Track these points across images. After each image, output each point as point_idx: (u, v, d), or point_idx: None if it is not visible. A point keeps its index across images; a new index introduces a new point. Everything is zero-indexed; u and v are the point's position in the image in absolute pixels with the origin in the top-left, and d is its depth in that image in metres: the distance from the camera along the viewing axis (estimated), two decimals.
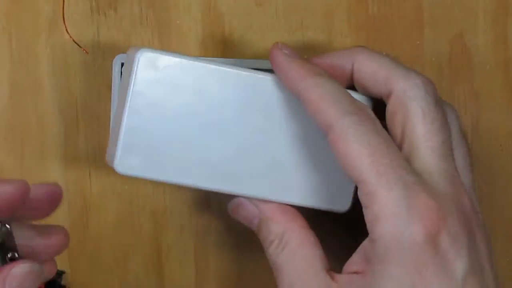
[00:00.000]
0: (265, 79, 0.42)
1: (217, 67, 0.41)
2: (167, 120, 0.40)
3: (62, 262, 0.48)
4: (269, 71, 0.42)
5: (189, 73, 0.41)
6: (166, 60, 0.40)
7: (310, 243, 0.41)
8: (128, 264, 0.49)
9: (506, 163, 0.51)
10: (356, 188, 0.39)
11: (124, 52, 0.48)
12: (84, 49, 0.48)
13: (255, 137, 0.42)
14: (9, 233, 0.36)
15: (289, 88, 0.41)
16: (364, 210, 0.38)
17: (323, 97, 0.39)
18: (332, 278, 0.39)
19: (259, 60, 0.49)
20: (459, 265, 0.36)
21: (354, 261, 0.39)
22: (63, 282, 0.48)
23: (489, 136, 0.50)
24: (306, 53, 0.49)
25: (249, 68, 0.42)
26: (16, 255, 0.36)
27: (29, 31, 0.48)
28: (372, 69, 0.41)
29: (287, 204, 0.42)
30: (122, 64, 0.48)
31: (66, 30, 0.48)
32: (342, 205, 0.43)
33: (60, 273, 0.48)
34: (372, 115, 0.39)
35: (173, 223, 0.50)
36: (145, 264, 0.50)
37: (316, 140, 0.42)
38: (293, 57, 0.41)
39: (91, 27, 0.48)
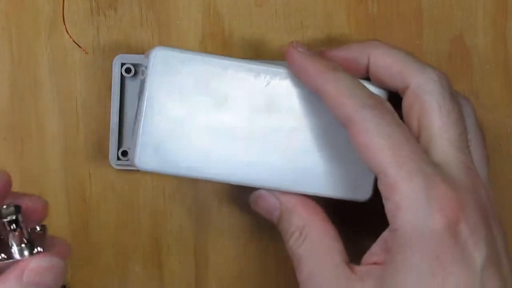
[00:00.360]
0: (281, 72, 0.42)
1: (232, 61, 0.42)
2: (186, 116, 0.41)
3: None
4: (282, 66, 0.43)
5: (206, 68, 0.41)
6: (181, 57, 0.41)
7: (330, 236, 0.41)
8: (128, 264, 0.49)
9: (506, 163, 0.51)
10: (375, 178, 0.40)
11: (124, 52, 0.48)
12: (84, 49, 0.48)
13: (273, 130, 0.42)
14: (19, 211, 0.36)
15: (307, 84, 0.41)
16: (384, 201, 0.38)
17: (341, 91, 0.39)
18: (352, 270, 0.39)
19: (259, 60, 0.49)
20: (477, 255, 0.37)
21: (374, 252, 0.39)
22: (63, 282, 0.48)
23: (489, 136, 0.50)
24: None
25: (260, 63, 0.43)
26: (41, 249, 0.36)
27: (29, 31, 0.48)
28: (388, 63, 0.42)
29: (308, 196, 0.43)
30: (122, 64, 0.48)
31: (66, 30, 0.48)
32: (363, 194, 0.43)
33: None
34: (390, 108, 0.40)
35: (173, 223, 0.50)
36: (145, 264, 0.50)
37: (334, 131, 0.42)
38: (309, 54, 0.41)
39: (91, 27, 0.48)
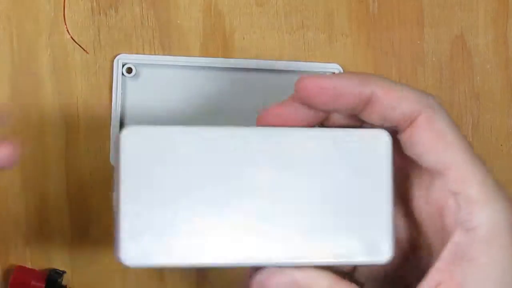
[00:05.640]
0: (262, 132, 0.37)
1: (210, 128, 0.37)
2: (170, 195, 0.35)
3: (62, 262, 0.48)
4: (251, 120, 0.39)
5: (183, 139, 0.36)
6: (152, 131, 0.36)
7: None
8: None
9: (506, 163, 0.51)
10: (394, 236, 0.37)
11: (125, 52, 0.48)
12: (84, 49, 0.48)
13: (269, 197, 0.37)
14: None
15: (354, 98, 0.37)
16: (456, 200, 0.37)
17: (402, 89, 0.38)
18: None
19: (260, 60, 0.49)
20: None
21: (437, 271, 0.37)
22: (63, 282, 0.48)
23: (489, 136, 0.50)
24: (307, 53, 0.49)
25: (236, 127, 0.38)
26: None
27: (30, 31, 0.48)
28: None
29: (319, 266, 0.37)
30: (123, 64, 0.48)
31: (67, 30, 0.48)
32: (383, 255, 0.37)
33: (60, 273, 0.48)
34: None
35: None
36: None
37: (337, 188, 0.37)
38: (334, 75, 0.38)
39: (92, 27, 0.48)
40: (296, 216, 0.37)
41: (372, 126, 0.39)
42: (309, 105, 0.38)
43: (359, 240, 0.37)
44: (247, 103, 0.49)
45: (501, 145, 0.51)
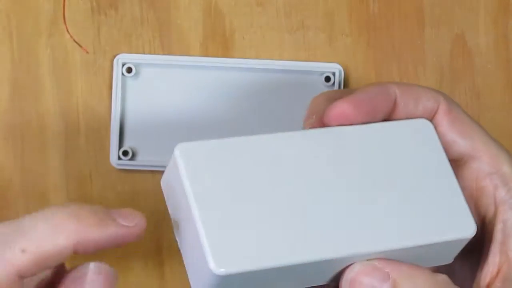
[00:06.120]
0: (322, 131, 0.38)
1: (253, 136, 0.37)
2: (241, 203, 0.35)
3: None
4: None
5: (238, 149, 0.36)
6: (205, 146, 0.36)
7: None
8: (128, 263, 0.49)
9: None
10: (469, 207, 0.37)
11: (125, 52, 0.48)
12: (84, 49, 0.48)
13: (342, 191, 0.37)
14: None
15: (383, 103, 0.38)
16: (488, 178, 0.38)
17: (416, 86, 0.40)
18: None
19: (260, 60, 0.49)
20: None
21: (494, 255, 0.37)
22: None
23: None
24: (307, 53, 0.49)
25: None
26: None
27: (30, 31, 0.48)
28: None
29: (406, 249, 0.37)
30: (123, 64, 0.48)
31: (67, 30, 0.48)
32: (467, 228, 0.37)
33: None
34: None
35: None
36: (146, 264, 0.50)
37: (403, 176, 0.38)
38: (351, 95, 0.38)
39: (92, 27, 0.48)
40: (372, 205, 0.36)
41: None
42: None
43: (443, 219, 0.37)
44: (246, 103, 0.49)
45: (502, 145, 0.51)
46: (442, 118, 0.39)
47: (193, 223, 0.34)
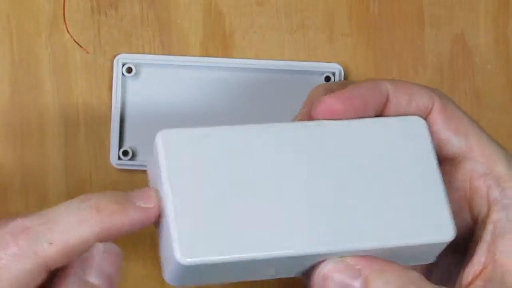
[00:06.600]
0: (308, 125, 0.37)
1: (238, 127, 0.37)
2: (215, 194, 0.35)
3: None
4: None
5: (217, 140, 0.36)
6: (186, 134, 0.36)
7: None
8: (128, 263, 0.49)
9: None
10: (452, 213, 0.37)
11: (125, 52, 0.48)
12: (84, 49, 0.48)
13: (321, 186, 0.36)
14: None
15: (375, 101, 0.38)
16: (482, 179, 0.38)
17: (412, 84, 0.40)
18: None
19: (260, 60, 0.49)
20: None
21: (481, 253, 0.37)
22: None
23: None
24: (307, 53, 0.49)
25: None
26: None
27: (30, 30, 0.48)
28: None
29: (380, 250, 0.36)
30: (123, 64, 0.48)
31: (67, 29, 0.48)
32: (446, 233, 0.36)
33: None
34: None
35: None
36: (146, 264, 0.50)
37: (388, 174, 0.37)
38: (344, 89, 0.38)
39: (92, 26, 0.48)
40: (350, 203, 0.36)
41: None
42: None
43: (421, 221, 0.36)
44: (247, 103, 0.49)
45: (502, 145, 0.51)
46: (436, 116, 0.39)
47: (165, 210, 0.35)
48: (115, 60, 0.48)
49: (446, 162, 0.39)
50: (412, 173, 0.37)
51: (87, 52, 0.48)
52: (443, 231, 0.36)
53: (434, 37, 0.50)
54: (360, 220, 0.36)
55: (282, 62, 0.49)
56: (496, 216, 0.37)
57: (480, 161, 0.38)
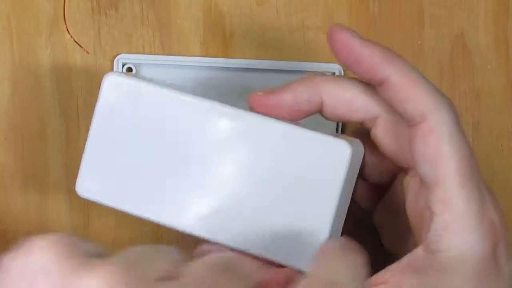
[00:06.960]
0: (233, 114, 0.39)
1: (179, 95, 0.38)
2: (129, 148, 0.39)
3: None
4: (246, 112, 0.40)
5: (152, 100, 0.39)
6: (130, 85, 0.39)
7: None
8: None
9: (507, 163, 0.51)
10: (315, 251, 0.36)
11: (125, 52, 0.48)
12: (85, 49, 0.48)
13: (217, 174, 0.38)
14: None
15: (370, 75, 0.37)
16: (432, 218, 0.36)
17: (418, 84, 0.36)
18: None
19: (260, 61, 0.49)
20: (507, 269, 0.36)
21: (387, 271, 0.37)
22: None
23: (490, 136, 0.50)
24: (307, 53, 0.49)
25: (212, 99, 0.39)
26: None
27: (30, 31, 0.48)
28: (347, 98, 0.39)
29: (240, 250, 0.38)
30: (124, 64, 0.48)
31: (67, 30, 0.48)
32: (300, 260, 0.37)
33: None
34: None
35: None
36: None
37: (284, 186, 0.38)
38: (364, 40, 0.38)
39: (92, 27, 0.48)
40: (234, 199, 0.38)
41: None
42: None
43: (289, 241, 0.38)
44: (247, 103, 0.49)
45: (502, 145, 0.51)
46: (417, 134, 0.36)
47: (86, 142, 0.40)
48: (115, 60, 0.48)
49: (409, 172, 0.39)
50: (309, 197, 0.37)
51: (87, 52, 0.48)
52: (301, 258, 0.37)
53: (434, 37, 0.50)
54: (237, 220, 0.38)
55: (282, 62, 0.49)
56: (419, 253, 0.37)
57: (436, 199, 0.36)
